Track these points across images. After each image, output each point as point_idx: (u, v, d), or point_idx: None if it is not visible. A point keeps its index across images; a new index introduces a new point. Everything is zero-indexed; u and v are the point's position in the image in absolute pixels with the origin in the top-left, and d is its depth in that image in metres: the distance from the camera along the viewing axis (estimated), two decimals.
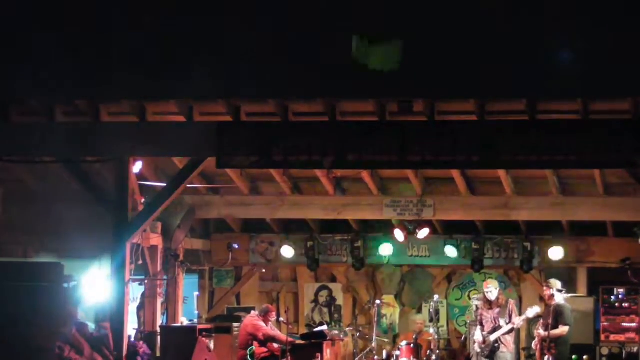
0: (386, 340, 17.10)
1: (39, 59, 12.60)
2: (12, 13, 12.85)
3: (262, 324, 14.51)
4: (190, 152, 13.16)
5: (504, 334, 14.07)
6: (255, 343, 14.48)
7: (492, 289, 14.33)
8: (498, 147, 12.05)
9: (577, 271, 17.08)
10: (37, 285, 12.32)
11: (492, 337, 14.11)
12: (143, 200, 13.79)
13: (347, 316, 18.22)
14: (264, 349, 14.50)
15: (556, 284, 13.94)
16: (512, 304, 14.43)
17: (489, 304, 14.25)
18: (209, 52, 12.47)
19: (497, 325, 14.13)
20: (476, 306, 15.67)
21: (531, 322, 14.70)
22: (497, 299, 14.27)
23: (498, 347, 14.13)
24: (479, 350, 14.39)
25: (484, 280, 15.58)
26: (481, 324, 14.33)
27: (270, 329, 14.61)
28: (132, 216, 13.17)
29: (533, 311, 13.97)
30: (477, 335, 14.40)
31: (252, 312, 15.03)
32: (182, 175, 13.43)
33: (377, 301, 16.82)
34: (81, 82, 12.61)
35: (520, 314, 14.30)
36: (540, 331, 13.83)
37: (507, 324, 14.06)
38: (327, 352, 14.75)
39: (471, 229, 17.22)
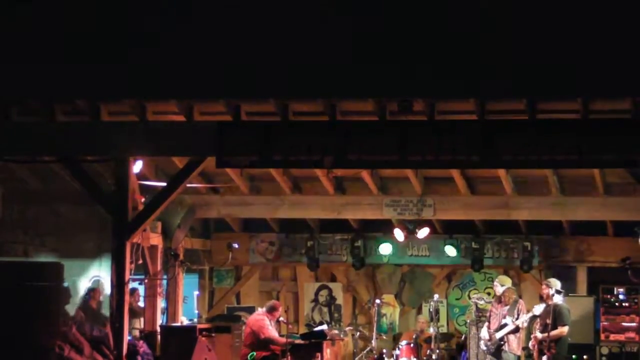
0: (385, 336, 17.12)
1: (39, 59, 12.60)
2: (13, 13, 12.86)
3: (268, 324, 14.41)
4: (190, 152, 13.15)
5: (508, 333, 14.18)
6: (255, 341, 14.45)
7: (497, 284, 14.63)
8: (498, 147, 12.05)
9: (577, 271, 17.10)
10: (37, 285, 12.33)
11: (498, 335, 14.23)
12: (143, 200, 13.78)
13: (347, 316, 18.22)
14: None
15: (556, 283, 13.97)
16: (522, 303, 14.56)
17: (499, 300, 14.47)
18: (209, 51, 12.48)
19: (503, 323, 14.25)
20: (476, 305, 15.71)
21: (531, 322, 14.74)
22: (503, 295, 14.42)
23: (503, 345, 14.23)
24: (484, 347, 14.48)
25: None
26: (488, 320, 14.50)
27: (273, 332, 14.51)
28: (132, 216, 13.17)
29: (540, 308, 14.02)
30: (484, 332, 14.51)
31: (260, 309, 14.98)
32: (182, 175, 13.43)
33: (377, 301, 16.83)
34: (81, 82, 12.61)
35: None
36: (537, 334, 13.87)
37: (513, 322, 14.17)
38: (327, 351, 14.75)
39: (471, 229, 17.24)
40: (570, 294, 15.89)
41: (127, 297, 13.17)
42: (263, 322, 14.39)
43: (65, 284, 13.24)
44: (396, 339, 17.23)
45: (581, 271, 17.11)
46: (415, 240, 17.19)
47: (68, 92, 12.79)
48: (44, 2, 12.86)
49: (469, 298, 17.41)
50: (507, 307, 14.42)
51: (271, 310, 14.52)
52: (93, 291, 14.22)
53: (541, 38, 11.79)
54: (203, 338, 13.92)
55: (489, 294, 16.88)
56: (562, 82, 11.82)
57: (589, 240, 17.01)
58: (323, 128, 12.64)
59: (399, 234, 16.80)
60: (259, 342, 14.34)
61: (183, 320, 15.40)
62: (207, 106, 13.19)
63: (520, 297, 15.68)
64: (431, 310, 15.99)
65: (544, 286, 14.17)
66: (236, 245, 16.68)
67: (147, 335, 14.31)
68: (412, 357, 15.49)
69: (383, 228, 17.41)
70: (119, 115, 13.42)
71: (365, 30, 12.12)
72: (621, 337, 16.45)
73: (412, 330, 16.93)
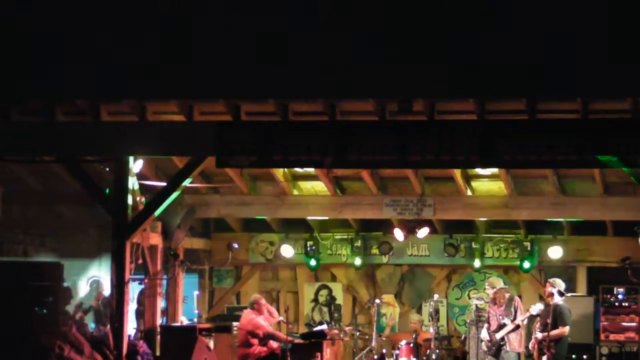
0: (384, 337, 17.12)
1: (39, 59, 12.60)
2: (14, 13, 12.87)
3: (261, 320, 14.50)
4: (190, 152, 13.16)
5: (508, 333, 14.21)
6: (254, 341, 14.47)
7: (488, 287, 14.74)
8: (498, 147, 12.05)
9: (576, 271, 17.10)
10: (37, 285, 12.34)
11: (498, 336, 14.25)
12: (143, 200, 13.78)
13: (347, 315, 18.22)
14: (264, 348, 14.50)
15: (560, 284, 13.96)
16: (518, 301, 14.59)
17: (493, 302, 14.50)
18: (208, 51, 12.48)
19: (501, 323, 14.27)
20: (476, 305, 15.71)
21: (530, 321, 14.76)
22: (496, 297, 14.46)
23: (503, 346, 14.25)
24: (485, 348, 14.50)
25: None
26: (488, 322, 14.53)
27: (269, 327, 14.59)
28: (132, 216, 13.17)
29: (537, 308, 14.04)
30: (484, 333, 14.54)
31: (245, 310, 15.02)
32: (182, 175, 13.43)
33: (377, 300, 16.83)
34: (81, 82, 12.62)
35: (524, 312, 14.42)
36: (537, 335, 13.88)
37: (511, 322, 14.18)
38: (327, 351, 14.76)
39: (471, 229, 17.23)
40: (570, 294, 15.89)
41: (127, 297, 13.17)
42: (255, 320, 14.46)
43: (65, 284, 13.25)
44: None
45: (581, 271, 17.10)
46: (415, 240, 17.18)
47: (68, 92, 12.80)
48: (44, 2, 12.86)
49: (469, 298, 17.42)
50: (502, 307, 14.43)
51: (254, 305, 14.60)
52: (97, 291, 14.23)
53: (541, 38, 11.79)
54: (203, 338, 13.93)
55: (488, 294, 16.89)
56: (562, 82, 11.82)
57: (589, 240, 17.00)
58: (323, 128, 12.64)
59: (398, 234, 16.79)
60: (260, 341, 14.38)
61: (183, 320, 15.40)
62: (207, 106, 13.20)
63: (520, 296, 15.69)
64: (431, 310, 15.98)
65: (547, 284, 14.17)
66: (236, 245, 16.68)
67: (147, 334, 14.31)
68: (411, 357, 15.49)
69: (383, 228, 17.41)
70: (119, 115, 13.42)
71: (365, 30, 12.12)
72: (621, 337, 16.44)
73: (409, 332, 16.93)
